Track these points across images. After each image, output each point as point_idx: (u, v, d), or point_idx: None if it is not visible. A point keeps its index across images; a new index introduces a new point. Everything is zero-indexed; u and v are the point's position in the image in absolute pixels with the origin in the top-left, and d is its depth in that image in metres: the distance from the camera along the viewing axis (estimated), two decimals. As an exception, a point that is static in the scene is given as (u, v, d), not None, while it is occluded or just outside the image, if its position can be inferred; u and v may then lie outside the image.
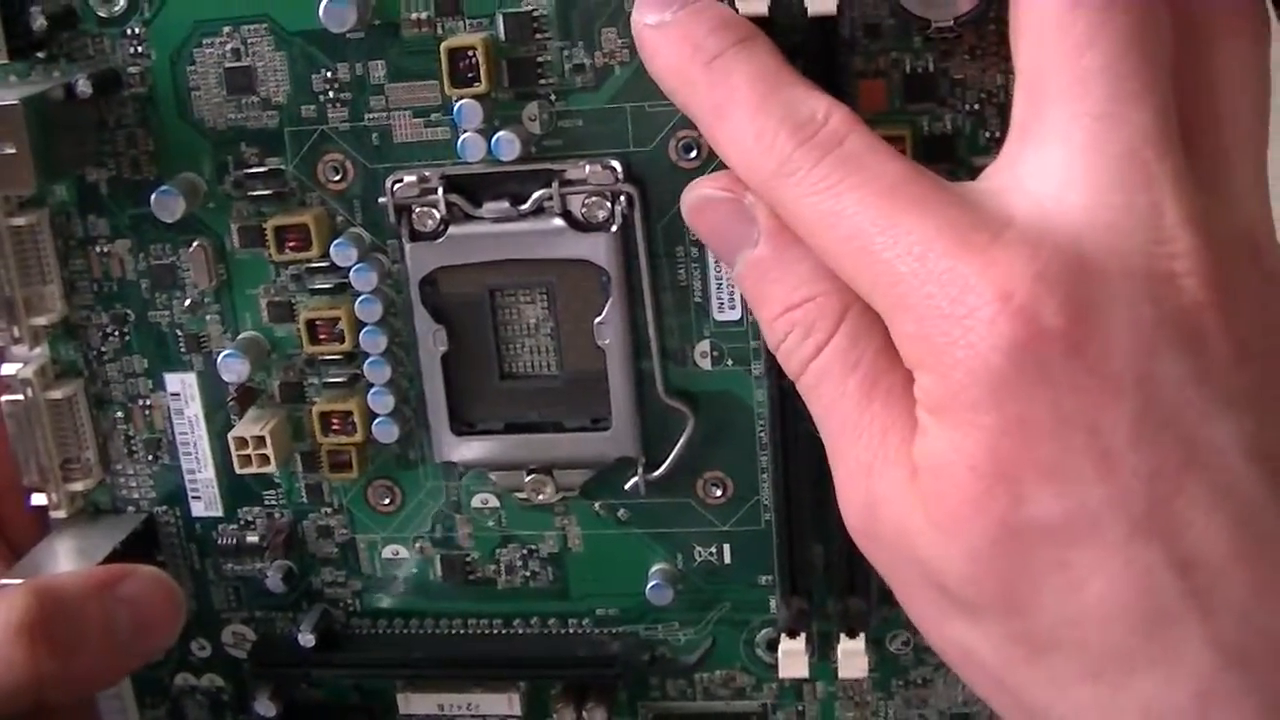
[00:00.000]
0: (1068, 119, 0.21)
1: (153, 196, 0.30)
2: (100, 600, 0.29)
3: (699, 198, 0.25)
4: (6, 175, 0.28)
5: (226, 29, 0.30)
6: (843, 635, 0.31)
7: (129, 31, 0.30)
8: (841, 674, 0.31)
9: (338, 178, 0.31)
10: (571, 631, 0.34)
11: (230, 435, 0.32)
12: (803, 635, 0.31)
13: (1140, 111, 0.21)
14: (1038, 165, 0.22)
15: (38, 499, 0.34)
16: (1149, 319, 0.20)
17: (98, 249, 0.32)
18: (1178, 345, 0.21)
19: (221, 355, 0.31)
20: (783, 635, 0.32)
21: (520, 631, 0.34)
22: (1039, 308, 0.20)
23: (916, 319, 0.21)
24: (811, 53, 0.26)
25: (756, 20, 0.25)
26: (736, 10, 0.25)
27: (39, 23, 0.29)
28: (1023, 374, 0.20)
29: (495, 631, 0.34)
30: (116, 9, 0.30)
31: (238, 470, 0.32)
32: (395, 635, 0.34)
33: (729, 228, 0.25)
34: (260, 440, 0.32)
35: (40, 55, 0.30)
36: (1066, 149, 0.21)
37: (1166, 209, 0.21)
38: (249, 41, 0.30)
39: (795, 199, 0.23)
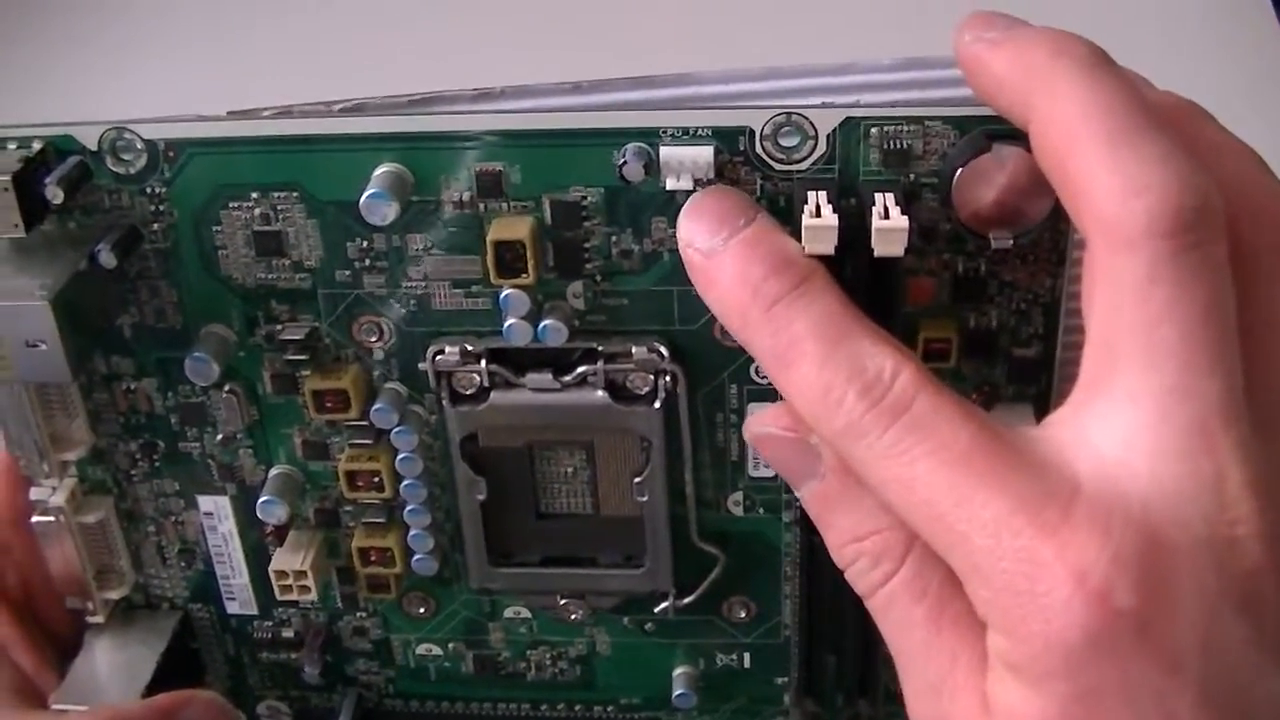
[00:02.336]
0: (1138, 386, 0.22)
1: (186, 362, 0.31)
2: None
3: (762, 434, 0.27)
4: (42, 369, 0.28)
5: (254, 194, 0.30)
6: (853, 734, 0.35)
7: (148, 190, 0.30)
8: (855, 780, 0.35)
9: (374, 338, 0.31)
10: (596, 717, 0.37)
11: (271, 569, 0.34)
12: (816, 734, 0.35)
13: (1210, 383, 0.22)
14: (1104, 423, 0.23)
15: (73, 604, 0.35)
16: (1213, 588, 0.22)
17: (123, 386, 0.33)
18: (1238, 609, 0.22)
19: (260, 502, 0.33)
20: (795, 739, 0.35)
21: (548, 716, 0.37)
22: (1112, 589, 0.22)
23: (992, 588, 0.23)
24: (870, 284, 0.27)
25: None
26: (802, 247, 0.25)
27: (57, 197, 0.29)
28: (1096, 650, 0.22)
29: (524, 716, 0.37)
30: (134, 169, 0.29)
31: (278, 598, 0.34)
32: (428, 715, 0.37)
33: (793, 461, 0.26)
34: (301, 574, 0.33)
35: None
36: (1134, 413, 0.22)
37: (1230, 475, 0.22)
38: (279, 208, 0.30)
39: (864, 460, 0.24)
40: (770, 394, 0.30)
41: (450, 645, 0.36)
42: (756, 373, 0.31)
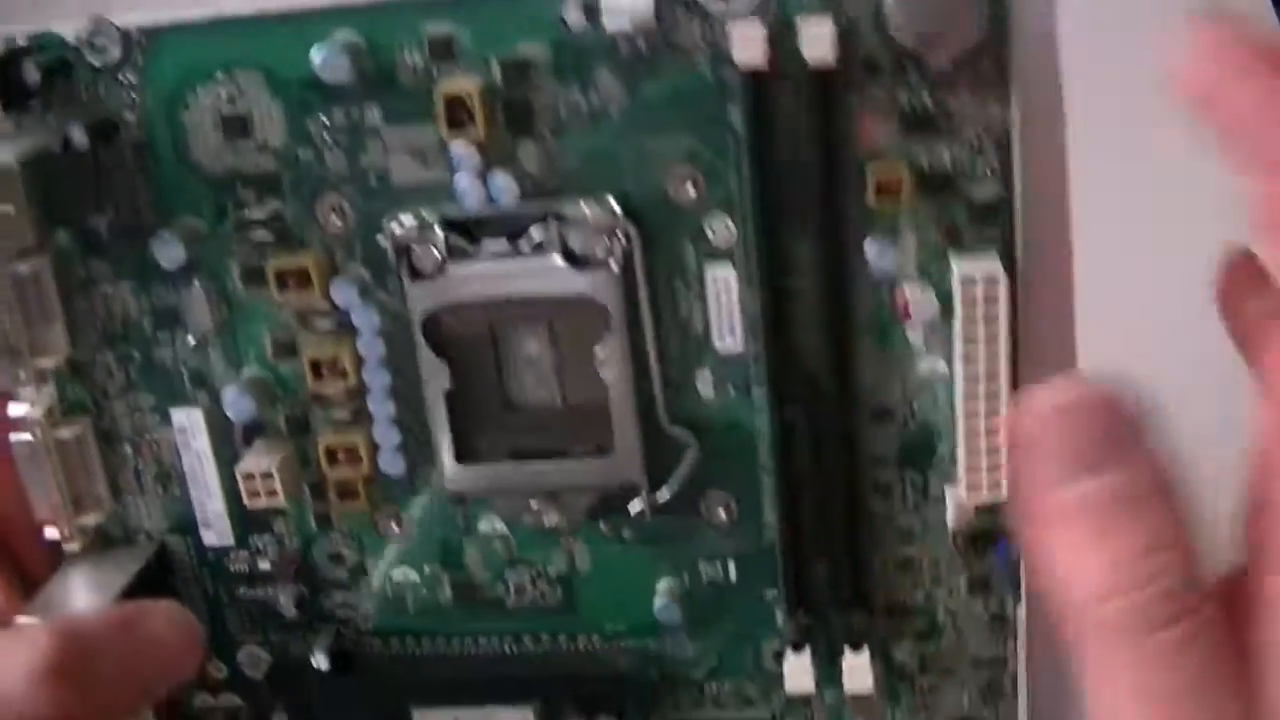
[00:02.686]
0: None
1: (152, 243, 0.31)
2: (122, 639, 0.30)
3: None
4: (6, 231, 0.29)
5: (220, 74, 0.31)
6: (847, 649, 0.33)
7: (122, 79, 0.31)
8: (847, 688, 0.33)
9: (336, 220, 0.32)
10: (581, 648, 0.36)
11: (238, 470, 0.33)
12: (808, 649, 0.33)
13: None
14: None
15: (50, 533, 0.35)
16: None
17: (101, 291, 0.33)
18: None
19: (226, 393, 0.33)
20: (788, 650, 0.33)
21: (530, 648, 0.36)
22: None
23: None
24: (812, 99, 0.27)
25: (755, 74, 0.26)
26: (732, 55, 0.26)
27: (33, 76, 0.30)
28: None
29: (506, 649, 0.36)
30: (110, 59, 0.31)
31: (247, 504, 0.34)
32: (407, 654, 0.36)
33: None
34: (268, 476, 0.33)
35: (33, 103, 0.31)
36: None
37: None
38: (243, 89, 0.31)
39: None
40: (723, 255, 0.31)
41: (427, 569, 0.36)
42: (712, 232, 0.31)
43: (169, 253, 0.32)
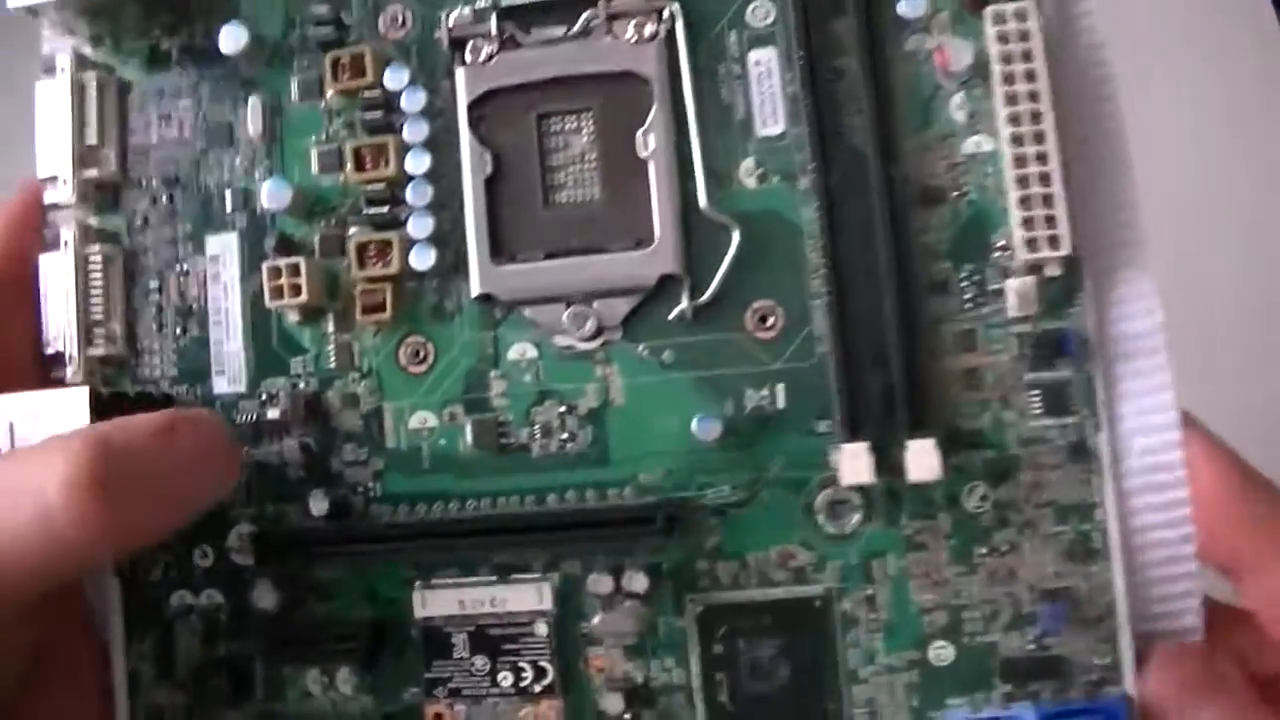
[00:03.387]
0: None
1: (221, 30, 0.33)
2: (159, 449, 0.28)
3: None
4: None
5: None
6: (909, 441, 0.30)
7: None
8: (912, 476, 0.29)
9: (398, 25, 0.34)
10: (610, 504, 0.32)
11: (264, 266, 0.33)
12: (864, 442, 0.30)
13: None
14: None
15: (55, 372, 0.34)
16: None
17: (157, 111, 0.35)
18: None
19: (267, 184, 0.33)
20: (841, 445, 0.30)
21: (555, 511, 0.32)
22: None
23: None
24: None
25: None
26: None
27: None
28: None
29: (529, 513, 0.33)
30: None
31: (269, 301, 0.32)
32: (416, 521, 0.33)
33: None
34: (294, 269, 0.32)
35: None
36: None
37: None
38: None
39: None
40: (765, 39, 0.32)
41: (447, 411, 0.33)
42: (753, 14, 0.33)
43: (234, 35, 0.33)
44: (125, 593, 0.34)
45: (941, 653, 0.31)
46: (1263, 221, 0.55)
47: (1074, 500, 0.31)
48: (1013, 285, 0.31)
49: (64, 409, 0.30)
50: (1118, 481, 0.31)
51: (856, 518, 0.32)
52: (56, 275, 0.34)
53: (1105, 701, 0.30)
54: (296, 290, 0.32)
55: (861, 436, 0.31)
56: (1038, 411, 0.31)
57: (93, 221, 0.35)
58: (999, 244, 0.31)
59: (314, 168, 0.34)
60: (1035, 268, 0.30)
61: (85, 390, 0.30)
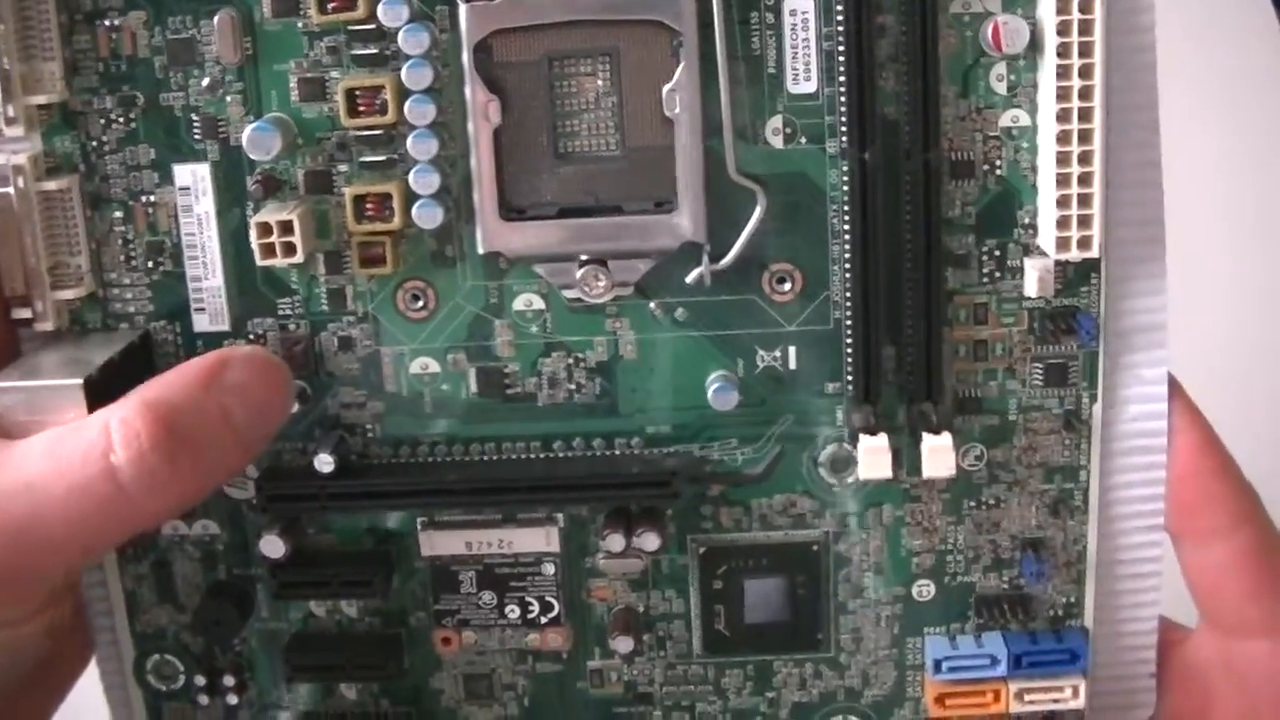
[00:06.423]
0: None
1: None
2: (208, 396, 0.29)
3: None
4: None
5: None
6: (925, 434, 0.32)
7: None
8: (926, 472, 0.32)
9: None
10: (619, 453, 0.33)
11: (253, 220, 0.31)
12: (884, 435, 0.32)
13: None
14: None
15: (19, 313, 0.32)
16: None
17: (107, 23, 0.31)
18: None
19: (250, 128, 0.31)
20: (861, 435, 0.32)
21: (561, 455, 0.34)
22: None
23: None
24: None
25: None
26: None
27: None
28: None
29: (534, 461, 0.33)
30: None
31: (259, 260, 0.31)
32: (420, 464, 0.34)
33: None
34: (287, 226, 0.31)
35: None
36: None
37: None
38: None
39: None
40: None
41: (450, 357, 0.33)
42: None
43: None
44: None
45: (924, 589, 0.35)
46: (1263, 221, 0.56)
47: (1062, 463, 0.34)
48: (1033, 268, 0.32)
49: (60, 401, 0.29)
50: (1105, 446, 0.33)
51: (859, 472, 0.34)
52: (7, 213, 0.32)
53: (1067, 635, 0.35)
54: (290, 249, 0.31)
55: (872, 403, 0.32)
56: (1039, 383, 0.33)
57: (42, 154, 0.32)
58: (1024, 221, 0.32)
59: (294, 95, 0.32)
60: (1058, 254, 0.31)
61: (79, 382, 0.29)
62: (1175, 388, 0.33)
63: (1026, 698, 0.35)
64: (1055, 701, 0.35)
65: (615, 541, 0.33)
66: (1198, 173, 0.57)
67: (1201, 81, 0.57)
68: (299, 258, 0.32)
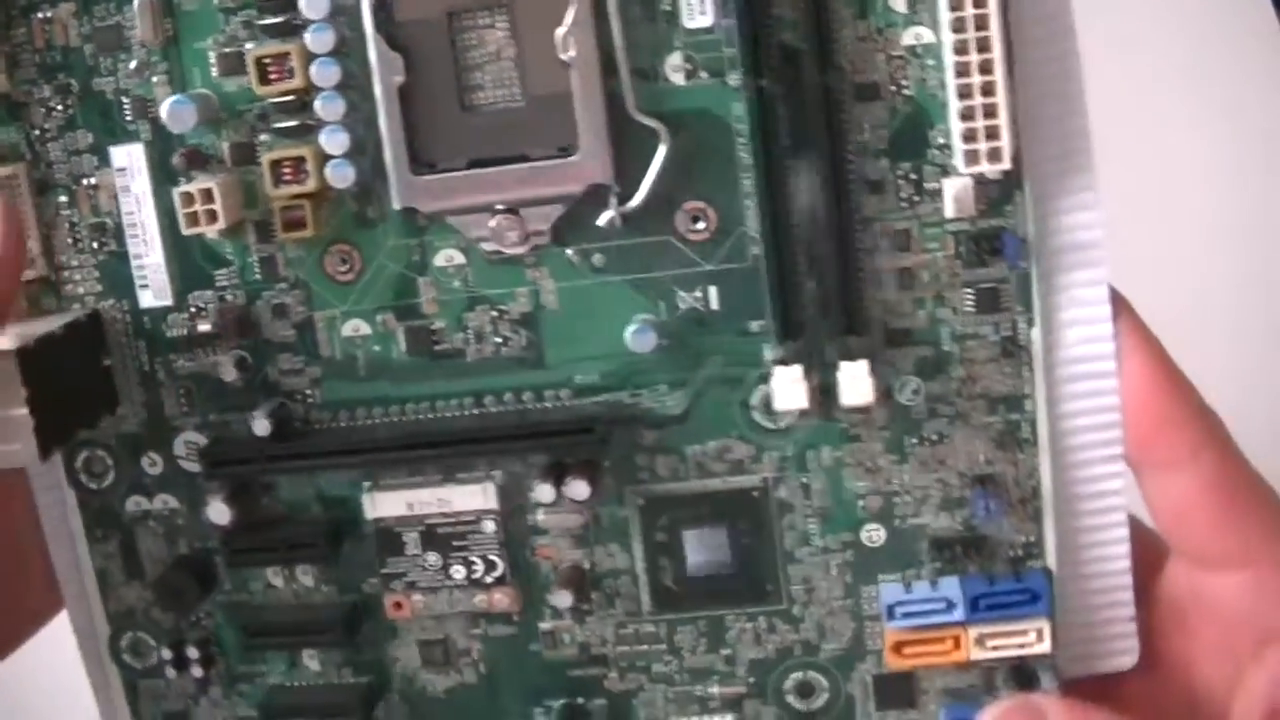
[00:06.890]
0: None
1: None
2: None
3: None
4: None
5: None
6: (842, 363, 0.31)
7: None
8: (844, 400, 0.31)
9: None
10: (550, 405, 0.33)
11: (175, 192, 0.32)
12: (799, 366, 0.31)
13: None
14: None
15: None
16: None
17: (40, 15, 0.33)
18: None
19: (168, 103, 0.32)
20: (776, 368, 0.31)
21: (493, 410, 0.34)
22: None
23: None
24: None
25: None
26: None
27: None
28: None
29: (466, 414, 0.34)
30: None
31: (184, 230, 0.32)
32: (359, 427, 0.34)
33: None
34: (207, 194, 0.32)
35: None
36: None
37: None
38: None
39: None
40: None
41: (379, 318, 0.34)
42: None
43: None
44: (80, 500, 0.36)
45: (874, 534, 0.34)
46: (1263, 220, 0.55)
47: (1004, 392, 0.33)
48: (950, 188, 0.31)
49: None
50: (1049, 373, 0.32)
51: (793, 413, 0.33)
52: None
53: (1027, 576, 0.33)
54: (213, 216, 0.33)
55: (795, 339, 0.32)
56: (971, 309, 0.32)
57: (-12, 137, 0.34)
58: (938, 141, 0.31)
59: (215, 70, 0.33)
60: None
61: (12, 351, 0.30)
62: (1122, 307, 0.32)
63: (989, 643, 0.33)
64: (1020, 646, 0.33)
65: (545, 492, 0.33)
66: (1198, 173, 0.56)
67: (1201, 82, 0.57)
68: (221, 224, 0.33)
